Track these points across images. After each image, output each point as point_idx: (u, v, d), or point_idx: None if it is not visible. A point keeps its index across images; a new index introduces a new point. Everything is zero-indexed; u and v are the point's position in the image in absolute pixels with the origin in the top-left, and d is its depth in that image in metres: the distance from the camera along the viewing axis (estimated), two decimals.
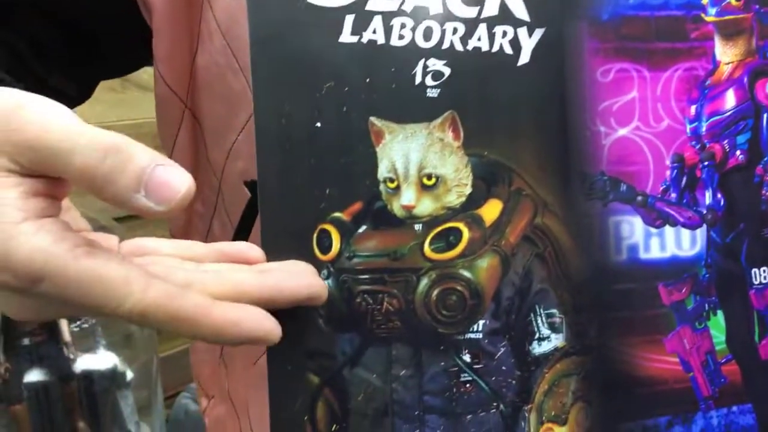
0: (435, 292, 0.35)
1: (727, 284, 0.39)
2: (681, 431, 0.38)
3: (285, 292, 0.30)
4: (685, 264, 0.38)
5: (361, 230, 0.35)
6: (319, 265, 0.34)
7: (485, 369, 0.36)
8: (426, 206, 0.35)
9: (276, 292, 0.30)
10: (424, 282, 0.35)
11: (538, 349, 0.37)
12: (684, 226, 0.38)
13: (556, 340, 0.37)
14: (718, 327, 0.39)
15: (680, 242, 0.38)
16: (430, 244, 0.35)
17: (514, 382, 0.36)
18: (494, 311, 0.36)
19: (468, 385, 0.36)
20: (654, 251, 0.38)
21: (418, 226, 0.35)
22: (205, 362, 0.52)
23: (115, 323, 1.33)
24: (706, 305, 0.39)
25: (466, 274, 0.36)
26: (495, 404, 0.36)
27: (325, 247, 0.34)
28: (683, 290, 0.38)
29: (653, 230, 0.38)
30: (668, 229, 0.38)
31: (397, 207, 0.35)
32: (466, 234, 0.35)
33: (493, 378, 0.36)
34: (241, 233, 0.45)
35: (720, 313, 0.39)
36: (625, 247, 0.37)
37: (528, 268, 0.36)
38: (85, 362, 1.17)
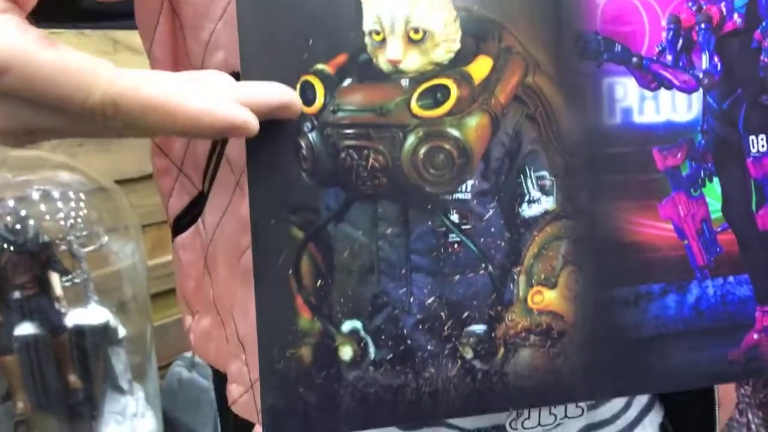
0: (422, 150, 0.34)
1: (724, 151, 0.38)
2: (675, 299, 0.37)
3: (258, 96, 0.30)
4: (681, 129, 0.37)
5: (345, 83, 0.34)
6: (302, 118, 0.33)
7: (474, 230, 0.35)
8: (413, 61, 0.34)
9: (249, 94, 0.29)
10: (411, 139, 0.34)
11: (528, 211, 0.36)
12: (680, 89, 0.37)
13: (547, 203, 0.36)
14: (713, 195, 0.38)
15: (675, 106, 0.37)
16: (418, 100, 0.34)
17: (503, 244, 0.36)
18: (483, 171, 0.35)
19: (456, 246, 0.35)
20: (648, 115, 0.37)
21: (404, 82, 0.34)
22: (189, 276, 0.51)
23: (109, 291, 1.33)
24: (702, 172, 0.38)
25: (455, 132, 0.35)
26: (483, 266, 0.35)
27: (309, 100, 0.33)
28: (678, 155, 0.37)
29: (648, 93, 0.37)
30: (663, 93, 0.37)
31: (383, 60, 0.34)
32: (454, 91, 0.34)
33: (482, 239, 0.35)
34: None
35: (716, 181, 0.38)
36: (619, 110, 0.36)
37: (518, 128, 0.35)
38: (77, 317, 1.17)
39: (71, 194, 1.30)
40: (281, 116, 0.31)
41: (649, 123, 0.37)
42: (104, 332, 1.26)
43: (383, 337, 0.34)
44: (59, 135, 0.28)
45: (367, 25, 0.34)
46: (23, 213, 1.15)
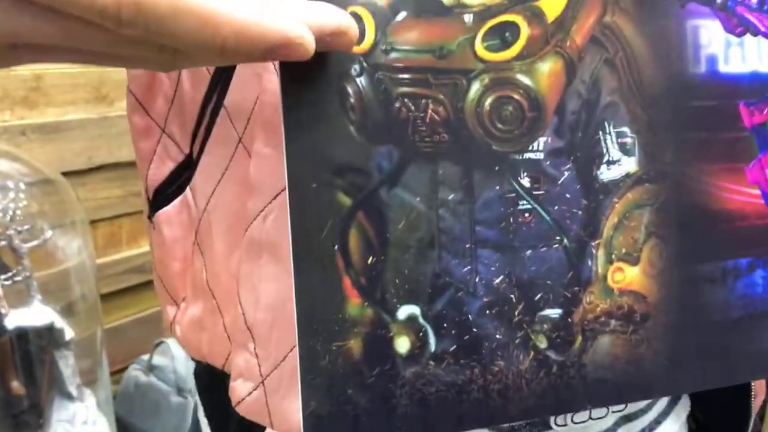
0: (488, 101, 0.29)
1: None
2: (763, 275, 0.33)
3: (310, 14, 0.23)
4: (767, 80, 0.33)
5: (399, 18, 0.28)
6: (349, 59, 0.27)
7: (547, 196, 0.30)
8: None
9: (300, 12, 0.23)
10: (476, 87, 0.29)
11: (607, 173, 0.31)
12: (765, 36, 0.32)
13: (628, 165, 0.31)
14: None
15: (762, 55, 0.32)
16: (483, 40, 0.29)
17: (579, 212, 0.30)
18: (557, 127, 0.30)
19: (527, 215, 0.30)
20: (734, 64, 0.32)
21: (468, 17, 0.28)
22: (170, 256, 0.44)
23: (55, 291, 1.24)
24: None
25: (525, 79, 0.29)
26: (558, 238, 0.30)
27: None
28: (765, 111, 0.33)
29: (734, 39, 0.32)
30: (749, 39, 0.32)
31: None
32: (524, 30, 0.29)
33: (556, 207, 0.30)
34: (223, 74, 0.38)
35: None
36: (704, 57, 0.32)
37: (596, 75, 0.30)
38: (19, 317, 1.07)
39: (11, 185, 1.20)
40: (332, 46, 0.24)
41: (735, 73, 0.32)
42: (49, 334, 1.16)
43: (445, 324, 0.29)
44: (50, 54, 0.21)
45: None
46: None
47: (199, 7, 0.20)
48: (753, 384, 0.46)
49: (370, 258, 0.28)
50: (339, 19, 0.24)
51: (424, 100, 0.28)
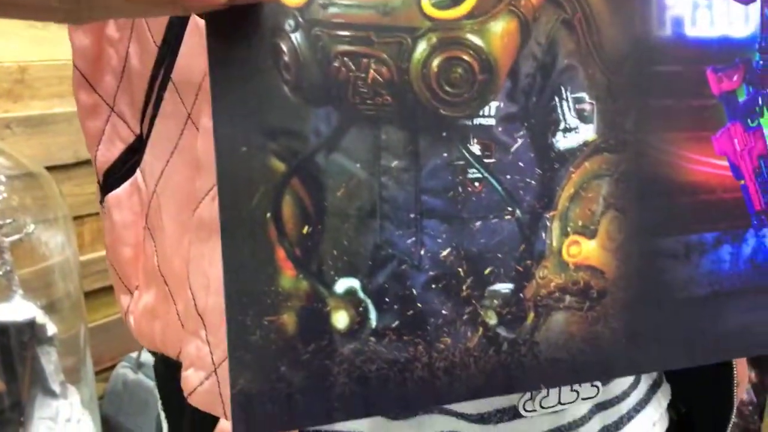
0: (436, 62, 0.27)
1: None
2: (730, 251, 0.31)
3: None
4: (737, 46, 0.31)
5: None
6: (283, 13, 0.25)
7: (499, 164, 0.28)
8: None
9: None
10: (422, 47, 0.27)
11: (564, 141, 0.29)
12: None
13: (586, 132, 0.29)
14: None
15: (731, 19, 0.31)
16: None
17: (533, 182, 0.28)
18: (510, 91, 0.28)
19: (477, 184, 0.28)
20: (702, 28, 0.30)
21: None
22: (121, 241, 0.42)
23: (38, 288, 1.22)
24: (760, 99, 0.31)
25: (476, 40, 0.27)
26: (510, 209, 0.28)
27: None
28: (734, 78, 0.31)
29: (702, 1, 0.30)
30: (718, 2, 0.31)
31: None
32: None
33: (508, 176, 0.28)
34: (171, 46, 0.36)
35: None
36: (670, 19, 0.30)
37: (552, 37, 0.28)
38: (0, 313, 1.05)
39: None
40: None
41: (702, 37, 0.30)
42: (31, 330, 1.14)
43: (387, 299, 0.27)
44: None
45: None
46: None
47: None
48: (735, 372, 0.44)
49: (306, 227, 0.26)
50: None
51: (365, 60, 0.26)
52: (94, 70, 0.40)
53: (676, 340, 0.30)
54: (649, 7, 0.29)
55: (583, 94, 0.29)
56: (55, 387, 1.16)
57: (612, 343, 0.29)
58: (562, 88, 0.29)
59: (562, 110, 0.29)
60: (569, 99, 0.29)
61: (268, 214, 0.26)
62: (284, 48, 0.25)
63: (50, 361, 1.14)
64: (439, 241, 0.27)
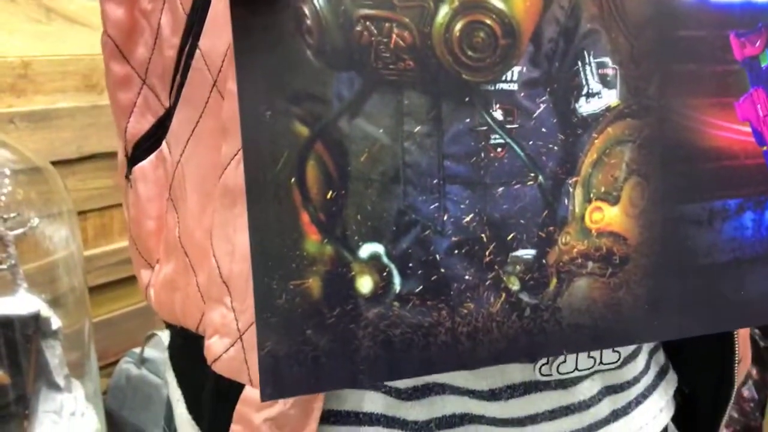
0: (458, 26, 0.27)
1: None
2: (753, 218, 0.31)
3: None
4: (760, 10, 0.31)
5: None
6: None
7: (521, 130, 0.28)
8: None
9: None
10: (444, 11, 0.27)
11: (586, 107, 0.29)
12: None
13: (608, 97, 0.29)
14: None
15: None
16: None
17: (556, 148, 0.28)
18: (533, 56, 0.28)
19: (499, 150, 0.28)
20: None
21: None
22: (144, 214, 0.42)
23: (42, 282, 1.22)
24: None
25: (498, 3, 0.27)
26: (532, 175, 0.28)
27: None
28: (758, 44, 0.31)
29: None
30: None
31: None
32: None
33: (531, 142, 0.28)
34: (198, 14, 0.36)
35: None
36: None
37: (575, 1, 0.28)
38: (4, 306, 1.05)
39: None
40: None
41: (725, 2, 0.30)
42: (35, 323, 1.14)
43: (411, 264, 0.27)
44: None
45: None
46: None
47: None
48: (737, 348, 0.44)
49: (330, 192, 0.26)
50: None
51: (387, 24, 0.26)
52: (127, 41, 0.40)
53: (699, 307, 0.30)
54: None
55: (606, 59, 0.29)
56: (60, 381, 1.16)
57: (634, 309, 0.29)
58: (585, 53, 0.28)
59: (585, 75, 0.28)
60: (592, 64, 0.28)
61: (293, 179, 0.26)
62: (306, 12, 0.25)
63: (55, 354, 1.15)
64: (462, 206, 0.27)
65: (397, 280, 0.27)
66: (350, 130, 0.26)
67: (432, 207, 0.27)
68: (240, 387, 0.35)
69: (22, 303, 1.10)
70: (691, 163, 0.30)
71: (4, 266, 1.11)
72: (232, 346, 0.34)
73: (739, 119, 0.31)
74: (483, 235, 0.28)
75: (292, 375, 0.25)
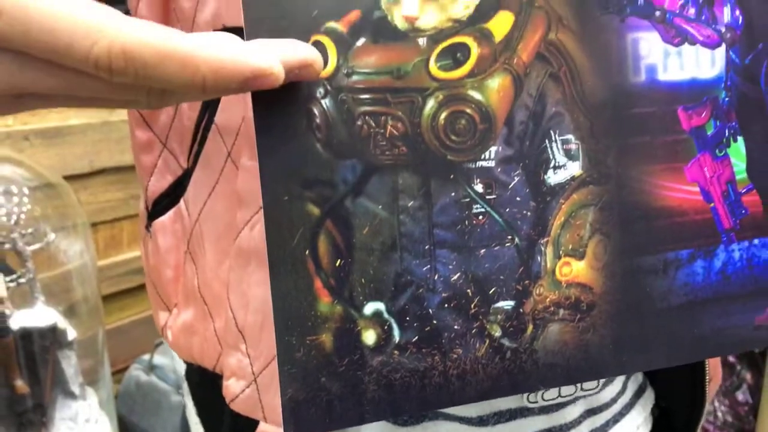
0: (443, 115, 0.32)
1: (747, 109, 0.36)
2: (703, 265, 0.36)
3: (277, 52, 0.26)
4: (705, 86, 0.35)
5: (359, 43, 0.31)
6: (315, 83, 0.30)
7: (498, 200, 0.33)
8: (430, 17, 0.31)
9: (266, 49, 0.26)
10: (431, 104, 0.32)
11: (554, 177, 0.34)
12: (703, 44, 0.35)
13: (573, 168, 0.34)
14: (738, 155, 0.36)
15: (699, 62, 0.35)
16: (436, 60, 0.32)
17: (529, 213, 0.33)
18: (507, 137, 0.33)
19: (481, 217, 0.33)
20: (673, 72, 0.35)
21: (422, 41, 0.31)
22: (164, 264, 0.47)
23: (58, 292, 1.27)
24: (726, 131, 0.36)
25: (476, 95, 0.32)
26: (509, 237, 0.33)
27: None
28: (703, 114, 0.36)
29: (672, 49, 0.35)
30: (687, 48, 0.35)
31: (398, 17, 0.31)
32: (474, 50, 0.32)
33: (507, 209, 0.33)
34: (212, 101, 0.41)
35: (740, 140, 0.36)
36: (644, 67, 0.34)
37: (542, 89, 0.33)
38: (23, 318, 1.10)
39: (15, 190, 1.23)
40: (301, 77, 0.28)
41: (673, 81, 0.35)
42: (52, 334, 1.19)
43: (408, 318, 0.32)
44: (51, 101, 0.24)
45: None
46: None
47: (179, 52, 0.23)
48: (707, 369, 0.49)
49: (338, 261, 0.31)
50: (305, 53, 0.27)
51: (383, 117, 0.31)
52: (151, 111, 0.45)
53: (658, 345, 0.35)
54: (626, 58, 0.34)
55: (570, 136, 0.33)
56: (75, 389, 1.21)
57: (600, 348, 0.34)
58: (552, 132, 0.33)
59: (552, 151, 0.33)
60: (558, 141, 0.33)
61: (307, 252, 0.31)
62: (316, 112, 0.30)
63: (70, 364, 1.20)
64: (450, 267, 0.32)
65: (396, 332, 0.32)
66: (354, 208, 0.31)
67: (424, 269, 0.32)
68: (255, 422, 0.40)
69: (40, 315, 1.16)
70: (646, 221, 0.35)
71: (22, 280, 1.16)
72: (247, 387, 0.40)
73: (688, 181, 0.35)
74: (468, 291, 0.33)
75: (310, 416, 0.31)
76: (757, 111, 0.36)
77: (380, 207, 0.31)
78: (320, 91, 0.30)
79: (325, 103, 0.30)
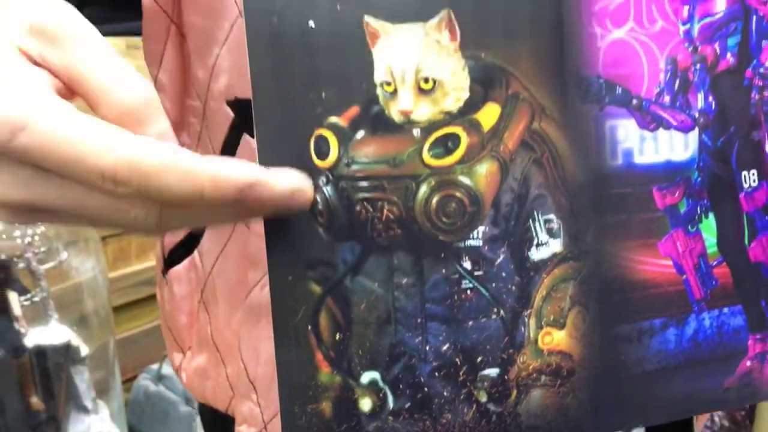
0: (435, 199, 0.35)
1: (719, 188, 0.39)
2: (675, 333, 0.39)
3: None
4: (678, 168, 0.38)
5: (359, 136, 0.34)
6: (317, 172, 0.33)
7: (486, 276, 0.36)
8: (423, 111, 0.34)
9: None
10: (424, 189, 0.35)
11: (537, 254, 0.36)
12: (677, 129, 0.38)
13: (554, 246, 0.37)
14: (709, 230, 0.39)
15: (674, 146, 0.38)
16: (429, 149, 0.35)
17: (513, 287, 0.36)
18: (493, 218, 0.36)
19: (469, 292, 0.36)
20: (648, 155, 0.38)
21: (416, 132, 0.34)
22: (179, 310, 0.50)
23: (70, 303, 1.30)
24: (698, 209, 0.39)
25: (466, 180, 0.35)
26: (495, 310, 0.36)
27: (323, 154, 0.33)
28: (676, 194, 0.38)
29: (648, 134, 0.38)
30: (662, 133, 0.38)
31: (394, 111, 0.34)
32: (464, 139, 0.35)
33: (494, 284, 0.36)
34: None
35: (711, 217, 0.39)
36: (621, 151, 0.37)
37: (526, 173, 0.36)
38: (37, 336, 1.13)
39: None
40: (293, 202, 0.31)
41: (649, 163, 0.38)
42: (66, 351, 1.22)
43: (401, 386, 0.35)
44: (62, 218, 0.27)
45: (379, 76, 0.34)
46: None
47: (180, 163, 0.26)
48: None
49: (338, 335, 0.34)
50: (298, 181, 0.30)
51: (380, 202, 0.34)
52: None
53: (633, 407, 0.38)
54: (604, 143, 0.37)
55: (552, 216, 0.36)
56: (88, 403, 1.24)
57: (579, 412, 0.37)
58: (535, 212, 0.36)
59: (535, 230, 0.36)
60: (540, 220, 0.36)
61: (309, 327, 0.33)
62: (318, 199, 0.33)
63: (83, 379, 1.23)
64: (440, 338, 0.35)
65: (390, 399, 0.35)
66: (353, 286, 0.34)
67: (417, 340, 0.35)
68: None
69: (54, 333, 1.19)
70: (623, 293, 0.38)
71: (36, 299, 1.19)
72: None
73: (662, 255, 0.38)
74: (457, 360, 0.35)
75: None
76: (727, 189, 0.39)
77: (376, 284, 0.34)
78: (323, 179, 0.33)
79: (327, 190, 0.33)
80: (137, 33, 0.47)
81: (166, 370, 1.53)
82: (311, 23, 0.32)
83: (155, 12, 0.42)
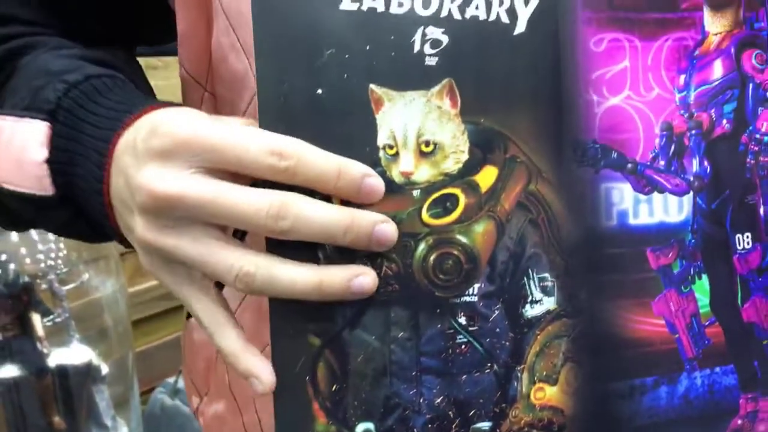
0: (432, 257, 0.36)
1: (712, 249, 0.40)
2: (667, 391, 0.39)
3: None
4: (673, 229, 0.39)
5: None
6: None
7: (480, 331, 0.37)
8: (424, 172, 0.36)
9: None
10: (422, 247, 0.36)
11: (531, 311, 0.38)
12: (672, 192, 0.39)
13: (548, 303, 0.38)
14: (702, 290, 0.40)
15: (668, 208, 0.39)
16: (428, 209, 0.36)
17: (507, 343, 0.37)
18: (489, 275, 0.37)
19: (463, 347, 0.37)
20: (643, 217, 0.39)
21: (416, 192, 0.36)
22: (198, 356, 0.52)
23: (89, 318, 1.32)
24: (692, 269, 0.40)
25: (463, 239, 0.36)
26: (489, 365, 0.37)
27: None
28: (670, 255, 0.39)
29: (642, 197, 0.39)
30: (656, 196, 0.39)
31: (396, 173, 0.36)
32: (462, 200, 0.36)
33: (488, 340, 0.37)
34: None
35: (705, 277, 0.40)
36: (615, 213, 0.39)
37: (522, 233, 0.37)
38: (60, 357, 1.15)
39: (51, 235, 1.29)
40: None
41: (643, 225, 0.39)
42: (87, 371, 1.25)
43: None
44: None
45: (382, 139, 0.35)
46: (2, 257, 1.15)
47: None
48: None
49: (335, 386, 0.35)
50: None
51: (379, 260, 0.36)
52: None
53: None
54: (599, 205, 0.38)
55: (546, 274, 0.38)
56: (108, 421, 1.26)
57: None
58: (530, 270, 0.37)
59: (530, 287, 0.37)
60: (535, 278, 0.38)
61: (307, 378, 0.35)
62: (320, 255, 0.35)
63: (103, 398, 1.25)
64: (434, 391, 0.36)
65: None
66: (351, 339, 0.35)
67: (411, 392, 0.36)
68: None
69: (76, 353, 1.21)
70: (615, 350, 0.39)
71: (59, 320, 1.22)
72: None
73: (655, 314, 0.39)
74: (450, 412, 0.37)
75: None
76: (721, 251, 0.40)
77: (374, 338, 0.36)
78: None
79: (329, 247, 0.35)
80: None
81: (182, 384, 1.54)
82: (319, 91, 0.34)
83: (190, 83, 0.45)
